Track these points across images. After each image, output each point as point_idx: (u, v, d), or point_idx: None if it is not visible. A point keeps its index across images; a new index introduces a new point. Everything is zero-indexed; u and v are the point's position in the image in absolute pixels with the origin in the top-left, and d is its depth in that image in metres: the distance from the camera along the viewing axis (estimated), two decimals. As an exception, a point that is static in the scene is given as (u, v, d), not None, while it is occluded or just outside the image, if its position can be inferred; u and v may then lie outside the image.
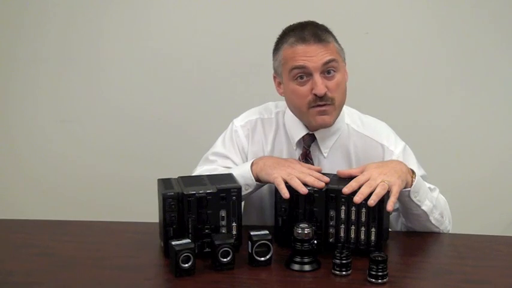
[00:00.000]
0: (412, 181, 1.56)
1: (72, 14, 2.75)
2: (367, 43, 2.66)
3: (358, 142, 1.76)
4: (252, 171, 1.62)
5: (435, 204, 1.63)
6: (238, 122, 1.83)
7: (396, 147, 1.74)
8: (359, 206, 1.45)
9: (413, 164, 1.70)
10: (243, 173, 1.62)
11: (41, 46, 2.79)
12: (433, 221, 1.63)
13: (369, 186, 1.45)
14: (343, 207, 1.47)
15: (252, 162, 1.64)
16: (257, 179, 1.62)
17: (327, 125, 1.69)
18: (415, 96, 2.71)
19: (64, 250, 1.56)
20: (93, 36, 2.77)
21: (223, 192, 1.47)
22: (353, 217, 1.47)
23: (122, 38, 2.76)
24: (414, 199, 1.57)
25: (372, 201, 1.43)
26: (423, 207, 1.60)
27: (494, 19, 2.62)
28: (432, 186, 1.69)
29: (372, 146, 1.75)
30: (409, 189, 1.55)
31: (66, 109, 2.85)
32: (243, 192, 1.57)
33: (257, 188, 1.65)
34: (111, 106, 2.81)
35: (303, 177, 1.51)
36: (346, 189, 1.46)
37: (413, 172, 1.58)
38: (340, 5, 2.64)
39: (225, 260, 1.41)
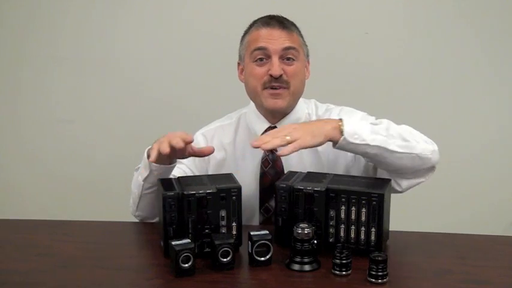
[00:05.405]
0: (340, 130, 1.51)
1: (67, 13, 2.75)
2: (367, 43, 2.66)
3: None
4: (147, 151, 1.61)
5: (388, 134, 1.55)
6: (200, 132, 1.89)
7: (346, 115, 1.70)
8: (359, 206, 1.45)
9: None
10: (144, 156, 1.63)
11: (36, 46, 2.79)
12: (399, 150, 1.54)
13: (270, 135, 1.46)
14: (343, 207, 1.47)
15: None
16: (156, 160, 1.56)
17: (279, 109, 1.75)
18: (415, 96, 2.72)
19: (64, 250, 1.57)
20: (89, 36, 2.77)
21: (223, 192, 1.47)
22: (353, 217, 1.47)
23: (118, 36, 2.76)
24: (356, 141, 1.51)
25: (265, 146, 1.42)
26: (374, 143, 1.52)
27: (495, 19, 2.62)
28: (377, 121, 1.61)
29: None
30: (343, 136, 1.50)
31: (63, 109, 2.85)
32: (144, 175, 1.60)
33: (157, 168, 1.59)
34: (110, 105, 2.82)
35: (171, 140, 1.47)
36: (254, 142, 1.46)
37: (340, 121, 1.53)
38: (340, 5, 2.65)
39: (225, 260, 1.41)
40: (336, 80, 2.64)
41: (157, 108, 2.79)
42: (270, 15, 1.79)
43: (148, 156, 1.58)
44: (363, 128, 1.53)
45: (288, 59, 1.72)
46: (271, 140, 1.44)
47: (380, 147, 1.53)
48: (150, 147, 1.61)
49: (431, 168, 1.64)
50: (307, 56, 1.82)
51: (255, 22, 1.79)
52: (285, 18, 1.78)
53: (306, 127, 1.50)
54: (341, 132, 1.50)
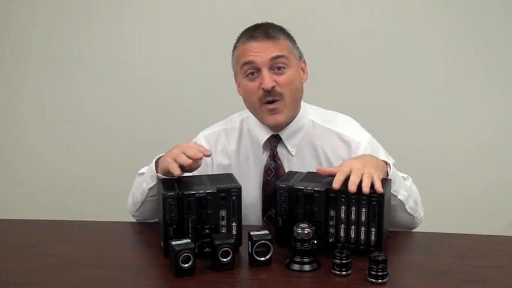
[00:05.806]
0: (387, 172, 1.55)
1: (62, 14, 2.75)
2: (367, 43, 2.66)
3: (324, 136, 1.78)
4: (155, 163, 1.61)
5: (409, 193, 1.64)
6: (202, 134, 1.87)
7: (363, 139, 1.77)
8: (359, 206, 1.45)
9: (382, 154, 1.72)
10: (151, 166, 1.62)
11: (31, 46, 2.79)
12: (408, 210, 1.64)
13: (357, 175, 1.44)
14: (343, 207, 1.47)
15: (160, 156, 1.62)
16: (163, 172, 1.57)
17: (279, 124, 1.74)
18: (416, 95, 2.72)
19: (64, 250, 1.57)
20: (85, 37, 2.77)
21: (223, 192, 1.47)
22: (353, 217, 1.47)
23: (119, 36, 2.76)
24: (391, 190, 1.56)
25: (366, 189, 1.42)
26: (399, 197, 1.60)
27: (493, 20, 2.62)
28: (405, 175, 1.69)
29: (338, 139, 1.77)
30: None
31: (63, 109, 2.85)
32: (150, 185, 1.61)
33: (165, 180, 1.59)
34: (110, 105, 2.82)
35: (187, 152, 1.49)
36: (336, 184, 1.43)
37: (386, 163, 1.58)
38: (340, 5, 2.65)
39: (225, 260, 1.41)
40: (335, 80, 2.64)
41: (157, 109, 2.79)
42: (254, 26, 1.74)
43: (157, 167, 1.58)
44: (398, 179, 1.60)
45: (279, 68, 1.69)
46: (365, 182, 1.42)
47: (401, 202, 1.62)
48: (158, 156, 1.61)
49: (412, 229, 1.74)
50: (301, 58, 1.78)
51: (240, 36, 1.75)
52: (270, 26, 1.73)
53: (369, 162, 1.50)
54: (387, 175, 1.55)
